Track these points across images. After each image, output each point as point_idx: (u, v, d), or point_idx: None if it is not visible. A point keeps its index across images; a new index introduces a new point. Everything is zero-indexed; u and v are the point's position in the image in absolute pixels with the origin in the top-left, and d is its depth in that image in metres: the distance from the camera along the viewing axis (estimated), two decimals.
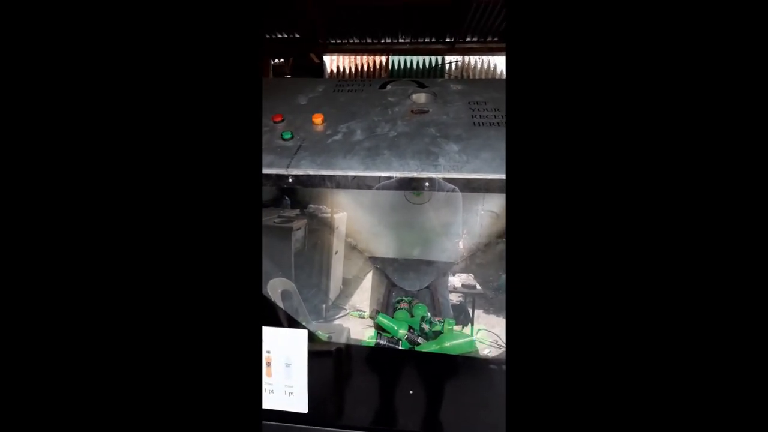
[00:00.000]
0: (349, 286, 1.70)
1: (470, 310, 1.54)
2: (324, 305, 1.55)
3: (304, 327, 0.94)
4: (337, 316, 1.52)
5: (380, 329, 1.08)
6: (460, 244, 1.61)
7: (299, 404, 0.96)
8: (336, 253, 1.63)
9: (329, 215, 1.61)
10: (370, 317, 1.32)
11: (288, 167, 0.90)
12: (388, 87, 1.23)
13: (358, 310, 1.47)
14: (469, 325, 1.29)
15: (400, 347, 1.03)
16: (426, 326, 1.09)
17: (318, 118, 1.05)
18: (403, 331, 1.05)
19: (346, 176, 0.88)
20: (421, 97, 1.16)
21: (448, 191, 0.88)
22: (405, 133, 0.99)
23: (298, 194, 1.63)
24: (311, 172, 0.89)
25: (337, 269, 1.65)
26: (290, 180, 0.90)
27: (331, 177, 0.89)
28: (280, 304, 1.21)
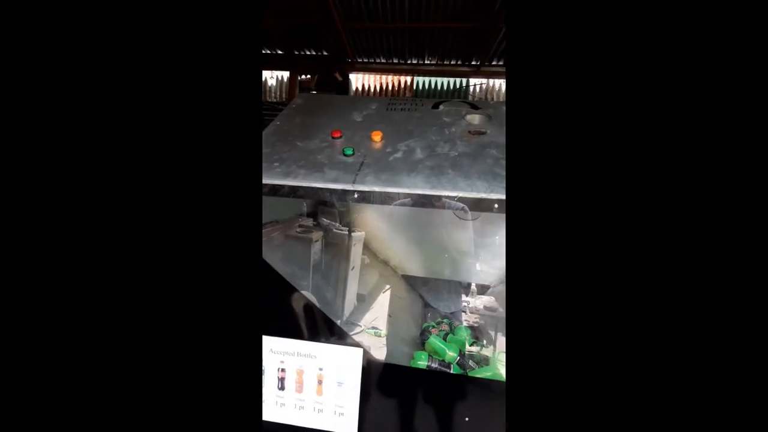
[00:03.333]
0: (364, 302, 1.68)
1: (492, 333, 1.51)
2: (339, 321, 1.53)
3: (359, 345, 0.92)
4: (352, 333, 1.50)
5: (426, 348, 1.06)
6: (488, 267, 1.58)
7: (349, 426, 0.93)
8: (353, 268, 1.62)
9: (347, 230, 1.61)
10: (420, 337, 1.29)
11: (354, 183, 0.91)
12: (441, 107, 1.25)
13: (374, 328, 1.45)
14: (492, 347, 1.26)
15: (451, 371, 1.01)
16: (476, 350, 1.06)
17: (377, 136, 1.06)
18: (452, 354, 1.03)
19: (412, 194, 0.88)
20: (475, 119, 1.16)
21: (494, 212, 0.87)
22: (466, 153, 0.99)
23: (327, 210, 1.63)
24: (377, 189, 0.89)
25: (353, 285, 1.63)
26: (356, 196, 0.90)
27: (396, 194, 0.89)
28: (302, 317, 1.20)
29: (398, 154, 1.01)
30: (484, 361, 1.05)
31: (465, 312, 1.56)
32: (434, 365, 0.98)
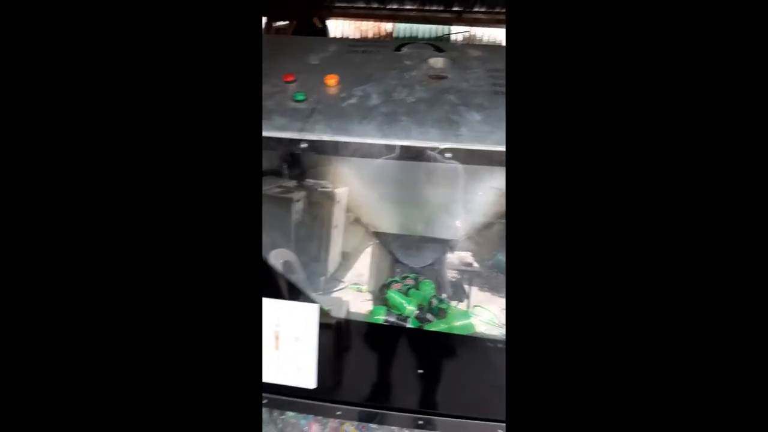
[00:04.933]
0: (348, 259, 1.67)
1: (466, 288, 1.53)
2: (322, 278, 1.52)
3: (314, 301, 0.90)
4: (335, 289, 1.49)
5: (387, 304, 1.05)
6: (458, 222, 1.57)
7: (307, 380, 0.93)
8: (336, 226, 1.58)
9: (330, 189, 1.56)
10: (374, 292, 1.28)
11: (302, 131, 0.84)
12: (404, 50, 1.15)
13: (356, 284, 1.45)
14: (465, 301, 1.27)
15: (408, 325, 1.00)
16: (435, 302, 1.06)
17: (332, 80, 0.98)
18: (411, 308, 1.02)
19: (362, 143, 0.82)
20: (438, 62, 1.08)
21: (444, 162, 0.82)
22: (424, 99, 0.92)
23: (301, 163, 1.56)
24: (326, 138, 0.83)
25: (337, 243, 1.61)
26: (304, 145, 0.84)
27: (346, 144, 0.82)
28: (282, 275, 1.18)
29: (353, 100, 0.93)
30: (441, 314, 1.05)
31: (436, 267, 1.56)
32: (392, 319, 0.98)
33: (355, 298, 1.39)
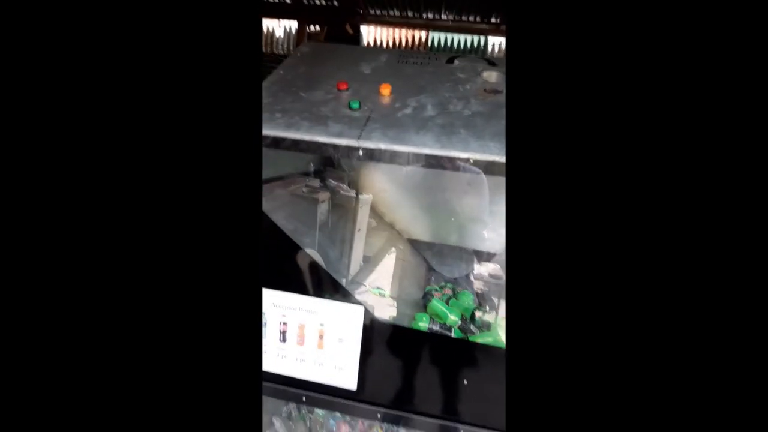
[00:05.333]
0: (369, 263, 1.69)
1: (495, 300, 1.52)
2: (344, 280, 1.54)
3: (360, 303, 0.92)
4: (356, 292, 1.51)
5: (428, 311, 1.06)
6: (496, 234, 1.56)
7: (348, 380, 0.95)
8: (359, 230, 1.61)
9: (354, 192, 1.58)
10: (409, 299, 1.29)
11: (359, 138, 0.86)
12: (456, 62, 1.17)
13: (378, 288, 1.46)
14: (494, 313, 1.26)
15: (451, 335, 1.01)
16: (478, 314, 1.06)
17: (386, 89, 1.00)
18: (454, 318, 1.03)
19: (420, 154, 0.84)
20: (492, 76, 1.09)
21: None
22: (480, 112, 0.93)
23: (335, 168, 1.59)
24: (383, 146, 0.85)
25: (359, 246, 1.63)
26: (361, 153, 0.86)
27: (403, 153, 0.84)
28: (308, 276, 1.20)
29: (407, 110, 0.95)
30: (486, 327, 1.05)
31: (471, 278, 1.56)
32: (435, 328, 0.99)
33: (378, 303, 1.40)
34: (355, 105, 0.96)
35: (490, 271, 1.61)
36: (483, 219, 1.48)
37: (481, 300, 1.50)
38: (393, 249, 1.69)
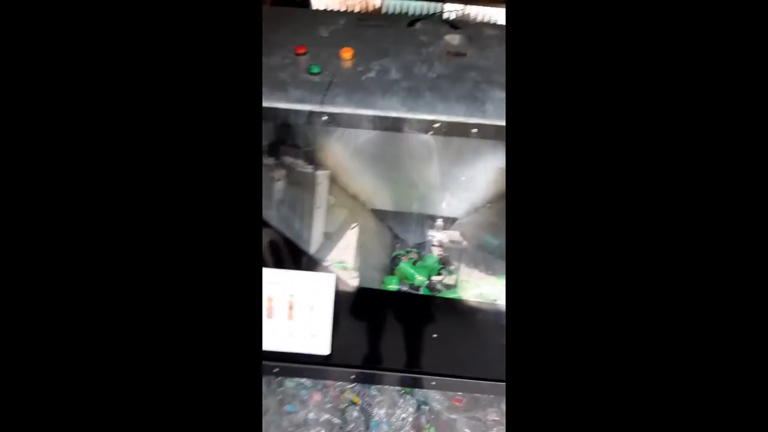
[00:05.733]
0: (331, 240, 1.69)
1: (456, 264, 1.59)
2: (305, 257, 1.55)
3: (330, 271, 0.93)
4: (318, 268, 1.52)
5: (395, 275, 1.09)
6: (454, 200, 1.61)
7: (321, 347, 0.97)
8: (318, 207, 1.60)
9: (312, 168, 1.56)
10: (391, 267, 1.32)
11: (322, 103, 0.84)
12: (417, 25, 1.15)
13: (341, 262, 1.48)
14: (455, 276, 1.33)
15: (420, 293, 1.05)
16: (443, 273, 1.11)
17: (347, 53, 0.97)
18: (421, 278, 1.07)
19: (387, 117, 0.83)
20: (455, 39, 1.09)
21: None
22: (445, 75, 0.93)
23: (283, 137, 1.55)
24: (348, 111, 0.83)
25: (319, 223, 1.63)
26: (325, 118, 0.84)
27: (370, 117, 0.83)
28: (267, 253, 1.19)
29: (371, 74, 0.93)
30: (450, 288, 1.10)
31: (433, 245, 1.61)
32: (404, 288, 1.02)
33: (342, 275, 1.42)
34: (316, 69, 0.92)
35: (450, 236, 1.67)
36: (438, 184, 1.51)
37: (444, 262, 1.57)
38: (356, 222, 1.70)
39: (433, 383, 0.90)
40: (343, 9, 4.27)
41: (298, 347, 0.98)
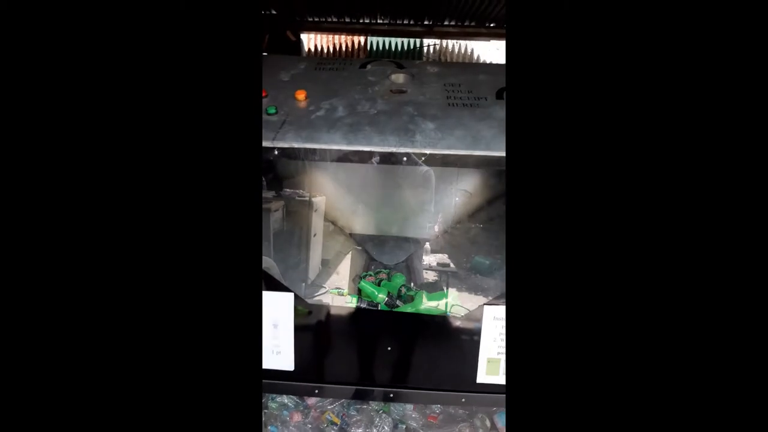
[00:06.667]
0: (328, 266, 1.77)
1: (444, 288, 1.65)
2: (303, 284, 1.62)
3: (290, 291, 1.01)
4: (316, 294, 1.60)
5: (360, 294, 1.17)
6: (434, 223, 1.70)
7: (286, 362, 1.03)
8: (315, 235, 1.69)
9: (307, 198, 1.66)
10: (353, 281, 1.39)
11: (274, 140, 0.95)
12: (368, 67, 1.29)
13: (337, 288, 1.55)
14: (444, 299, 1.39)
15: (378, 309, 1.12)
16: (404, 290, 1.18)
17: (301, 95, 1.10)
18: (382, 296, 1.14)
19: (329, 150, 0.94)
20: (399, 78, 1.22)
21: (420, 166, 0.95)
22: (384, 111, 1.05)
23: (279, 173, 1.66)
24: (296, 145, 0.95)
25: (316, 250, 1.71)
26: (276, 153, 0.95)
27: (314, 150, 0.95)
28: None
29: (320, 112, 1.05)
30: (409, 300, 1.17)
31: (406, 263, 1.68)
32: (363, 305, 1.10)
33: (336, 300, 1.49)
34: (272, 110, 1.05)
35: (438, 260, 1.74)
36: (422, 210, 1.61)
37: (433, 288, 1.63)
38: (350, 250, 1.78)
39: (392, 395, 0.96)
40: (331, 47, 4.55)
41: (266, 364, 1.04)
